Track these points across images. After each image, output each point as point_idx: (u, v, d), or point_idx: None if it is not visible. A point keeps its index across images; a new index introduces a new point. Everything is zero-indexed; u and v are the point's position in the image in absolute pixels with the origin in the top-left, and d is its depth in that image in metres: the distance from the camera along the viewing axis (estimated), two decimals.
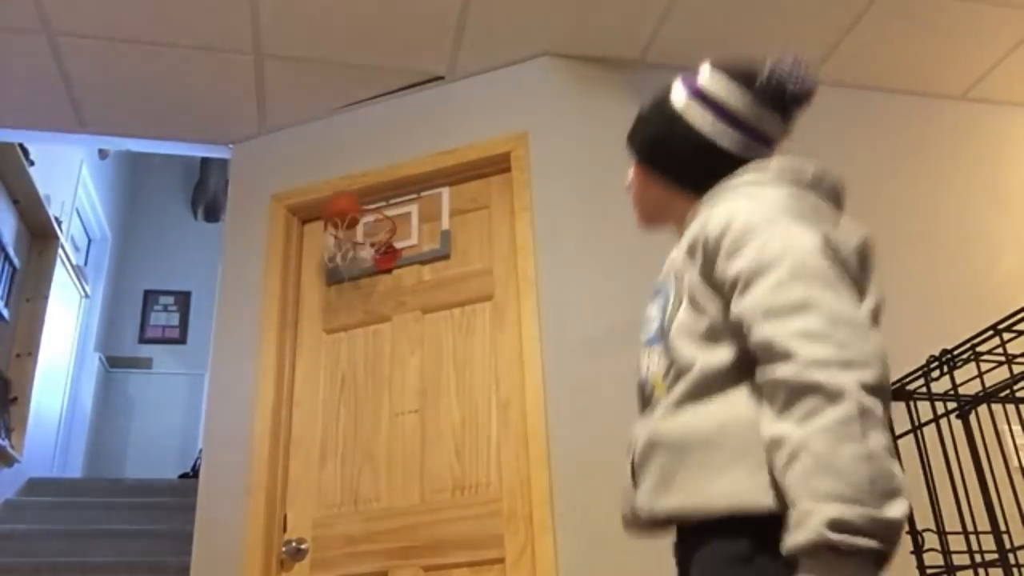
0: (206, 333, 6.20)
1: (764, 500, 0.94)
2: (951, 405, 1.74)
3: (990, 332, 1.65)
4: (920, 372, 1.79)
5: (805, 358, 0.91)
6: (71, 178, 5.39)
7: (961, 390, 1.72)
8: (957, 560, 1.68)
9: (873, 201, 2.82)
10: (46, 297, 4.84)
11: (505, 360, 2.49)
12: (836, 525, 0.85)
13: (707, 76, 1.17)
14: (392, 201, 2.83)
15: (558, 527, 2.19)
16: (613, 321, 2.45)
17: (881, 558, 0.88)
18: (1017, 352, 1.65)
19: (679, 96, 1.18)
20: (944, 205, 2.88)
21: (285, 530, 2.52)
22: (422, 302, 2.67)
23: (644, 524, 1.09)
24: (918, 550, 1.75)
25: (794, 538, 0.88)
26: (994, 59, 2.93)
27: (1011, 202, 2.94)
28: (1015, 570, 1.57)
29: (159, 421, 6.41)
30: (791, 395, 0.91)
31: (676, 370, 1.08)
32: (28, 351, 4.69)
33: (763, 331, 0.95)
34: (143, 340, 6.72)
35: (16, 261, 4.56)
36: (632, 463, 1.11)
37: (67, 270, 5.28)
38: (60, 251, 5.01)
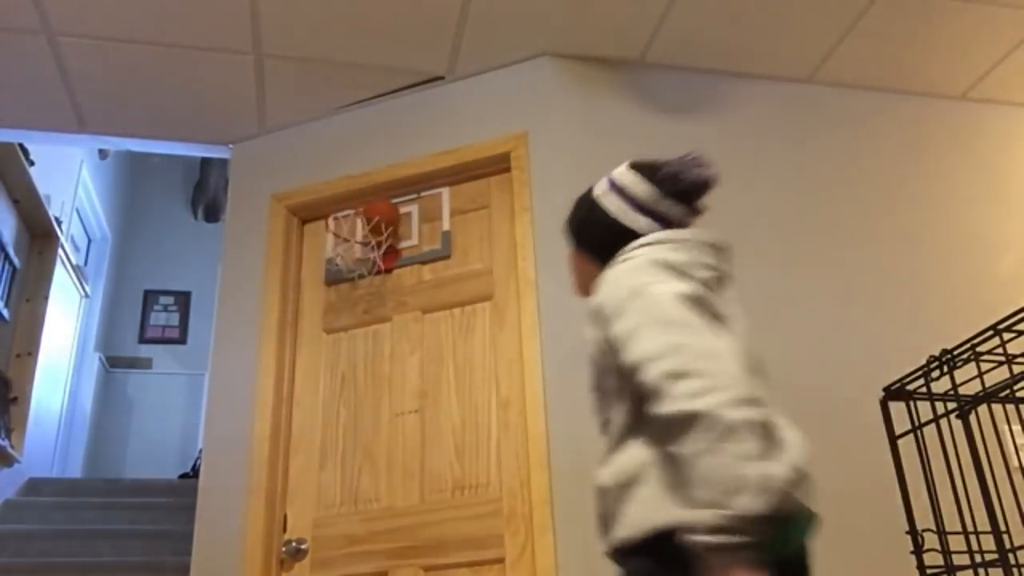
0: (206, 333, 6.22)
1: (662, 520, 1.11)
2: (951, 405, 1.75)
3: (990, 332, 1.65)
4: (920, 372, 1.79)
5: (676, 394, 1.07)
6: (71, 178, 5.39)
7: (961, 390, 1.72)
8: (957, 560, 1.68)
9: (873, 201, 2.83)
10: (46, 297, 4.84)
11: (505, 360, 2.49)
12: (708, 529, 1.01)
13: (621, 171, 1.40)
14: (392, 201, 2.83)
15: (558, 527, 2.19)
16: None
17: (759, 546, 1.01)
18: (1017, 352, 1.65)
19: (600, 188, 1.42)
20: (944, 205, 2.88)
21: (285, 530, 2.52)
22: (422, 302, 2.67)
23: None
24: (918, 550, 1.75)
25: (689, 545, 1.04)
26: (994, 59, 2.93)
27: (1011, 202, 2.94)
28: (1015, 570, 1.57)
29: (159, 421, 6.41)
30: (670, 426, 1.08)
31: (604, 423, 1.31)
32: (28, 351, 4.69)
33: (643, 378, 1.12)
34: (143, 340, 6.72)
35: (16, 261, 4.56)
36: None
37: (67, 270, 5.28)
38: (60, 251, 5.01)
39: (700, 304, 1.16)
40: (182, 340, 6.78)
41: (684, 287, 1.17)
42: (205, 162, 7.08)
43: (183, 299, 6.90)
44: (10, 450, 4.30)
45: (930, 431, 1.77)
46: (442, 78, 2.89)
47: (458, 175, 2.78)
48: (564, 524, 2.19)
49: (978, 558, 1.62)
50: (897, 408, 1.90)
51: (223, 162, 3.93)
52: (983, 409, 1.72)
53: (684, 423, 1.05)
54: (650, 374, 1.10)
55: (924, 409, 1.83)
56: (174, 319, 6.84)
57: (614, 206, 1.36)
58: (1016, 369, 1.62)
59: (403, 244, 2.77)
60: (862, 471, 2.32)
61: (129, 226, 6.96)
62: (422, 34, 2.69)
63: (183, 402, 6.52)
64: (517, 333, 2.49)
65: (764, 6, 2.65)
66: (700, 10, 2.64)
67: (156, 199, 7.22)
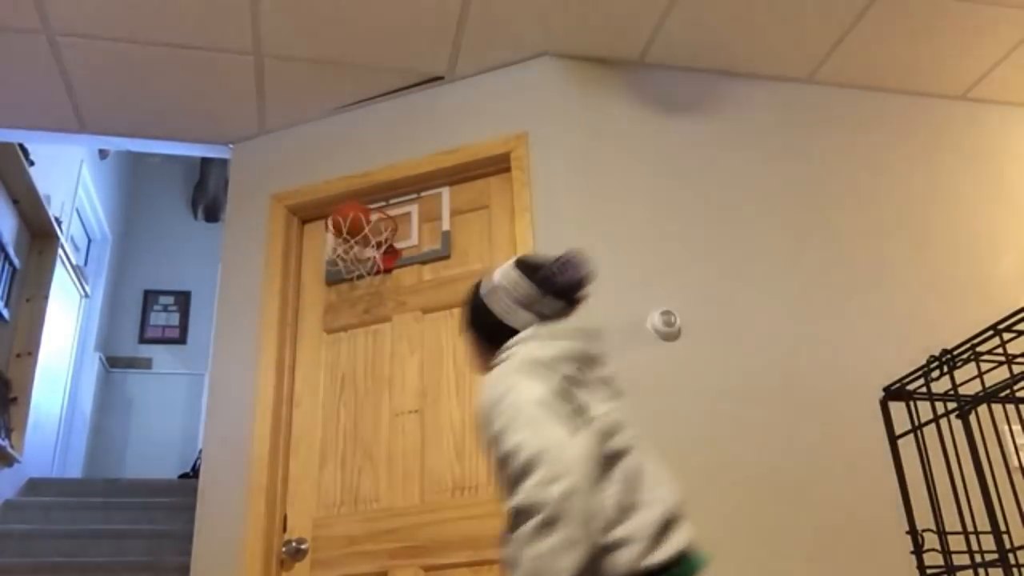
0: (206, 333, 6.22)
1: None
2: (951, 405, 1.74)
3: (990, 332, 1.65)
4: (920, 372, 1.79)
5: (523, 487, 1.23)
6: (71, 178, 5.39)
7: (961, 390, 1.72)
8: (957, 560, 1.68)
9: (873, 201, 2.82)
10: (46, 297, 4.84)
11: None
12: None
13: (507, 270, 1.53)
14: (392, 201, 2.83)
15: None
16: (613, 321, 2.44)
17: None
18: (1017, 352, 1.65)
19: (486, 285, 1.55)
20: (945, 205, 2.88)
21: (285, 530, 2.52)
22: (422, 302, 2.67)
23: None
24: (918, 550, 1.75)
25: None
26: (994, 59, 2.93)
27: (1011, 202, 2.94)
28: (1015, 570, 1.57)
29: (159, 421, 6.40)
30: (515, 517, 1.24)
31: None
32: (28, 351, 4.69)
33: (504, 473, 1.29)
34: (143, 340, 6.72)
35: (16, 261, 4.56)
36: None
37: (67, 270, 5.27)
38: (60, 251, 5.01)
39: (551, 405, 1.31)
40: (182, 340, 6.77)
41: (538, 391, 1.32)
42: (205, 162, 7.07)
43: (183, 299, 6.90)
44: (10, 450, 4.30)
45: (930, 431, 1.77)
46: (442, 78, 2.89)
47: (458, 175, 2.78)
48: None
49: (978, 558, 1.62)
50: (897, 408, 1.90)
51: (223, 162, 3.93)
52: (983, 409, 1.72)
53: (519, 515, 1.23)
54: (509, 469, 1.27)
55: (924, 409, 1.83)
56: (174, 319, 6.83)
57: (499, 305, 1.51)
58: (1016, 369, 1.62)
59: (403, 244, 2.77)
60: (862, 471, 2.32)
61: (129, 226, 6.96)
62: (422, 34, 2.69)
63: (183, 402, 6.51)
64: None
65: (764, 6, 2.65)
66: (700, 10, 2.64)
67: (156, 199, 7.21)
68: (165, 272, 6.93)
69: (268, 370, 2.67)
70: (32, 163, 4.39)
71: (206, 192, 7.16)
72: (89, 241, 6.19)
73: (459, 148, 2.76)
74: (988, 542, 1.60)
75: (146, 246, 6.99)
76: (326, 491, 2.54)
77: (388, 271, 2.75)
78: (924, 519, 1.77)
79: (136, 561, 3.81)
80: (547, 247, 2.51)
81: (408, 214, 2.81)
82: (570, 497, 1.21)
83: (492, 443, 1.35)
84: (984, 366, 1.69)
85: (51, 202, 4.79)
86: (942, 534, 1.71)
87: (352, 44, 2.72)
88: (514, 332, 1.47)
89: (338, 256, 2.75)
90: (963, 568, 1.65)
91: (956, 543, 1.69)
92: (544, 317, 1.49)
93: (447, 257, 2.71)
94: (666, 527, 1.30)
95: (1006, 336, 1.63)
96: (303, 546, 2.47)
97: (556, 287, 1.49)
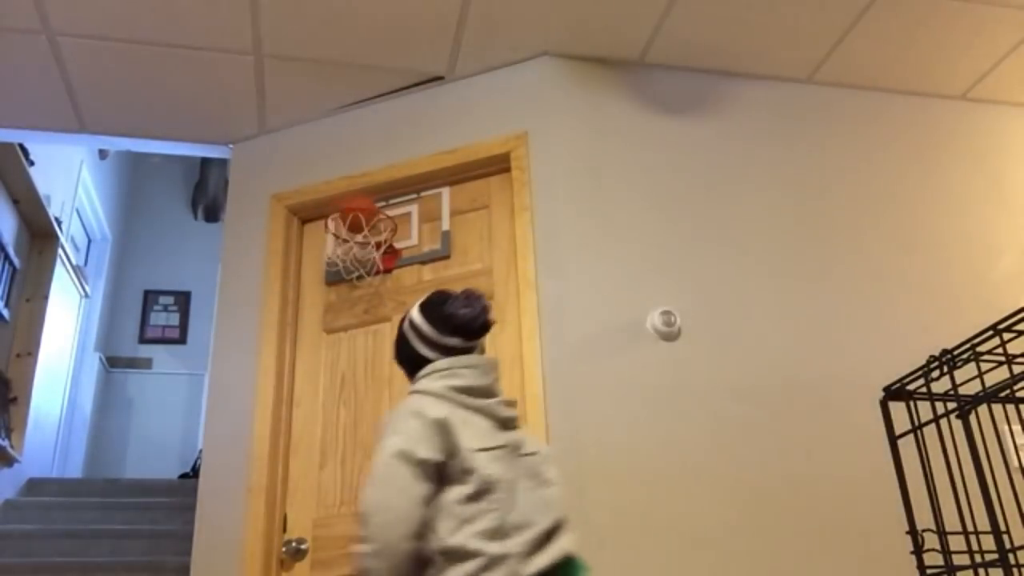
0: (206, 333, 6.21)
1: None
2: (951, 405, 1.74)
3: (990, 332, 1.65)
4: (920, 372, 1.79)
5: (363, 536, 1.52)
6: (71, 178, 5.39)
7: (961, 390, 1.72)
8: (957, 560, 1.68)
9: (873, 201, 2.83)
10: (46, 297, 4.84)
11: (505, 360, 2.48)
12: None
13: (415, 313, 1.74)
14: (392, 201, 2.83)
15: None
16: (613, 321, 2.45)
17: None
18: (1017, 352, 1.65)
19: (407, 321, 1.75)
20: (944, 205, 2.88)
21: (285, 530, 2.52)
22: None
23: None
24: (918, 550, 1.75)
25: None
26: (994, 59, 2.93)
27: (1011, 202, 2.94)
28: (1015, 570, 1.57)
29: (159, 421, 6.40)
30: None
31: None
32: (28, 351, 4.69)
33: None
34: (143, 340, 6.72)
35: (16, 261, 4.56)
36: None
37: (67, 270, 5.27)
38: (60, 251, 5.01)
39: (407, 457, 1.52)
40: (182, 340, 6.77)
41: (398, 443, 1.53)
42: (205, 162, 7.07)
43: (183, 299, 6.90)
44: (10, 450, 4.30)
45: (930, 431, 1.77)
46: (442, 78, 2.89)
47: (458, 175, 2.78)
48: None
49: (978, 558, 1.62)
50: (897, 408, 1.90)
51: (223, 162, 3.93)
52: (983, 409, 1.72)
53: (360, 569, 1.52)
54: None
55: (924, 409, 1.83)
56: (174, 319, 6.83)
57: (412, 338, 1.73)
58: (1016, 369, 1.62)
59: (403, 244, 2.77)
60: (862, 471, 2.32)
61: (129, 226, 6.96)
62: (422, 34, 2.69)
63: (183, 402, 6.51)
64: (517, 333, 2.49)
65: (764, 6, 2.65)
66: (700, 10, 2.64)
67: (156, 199, 7.21)
68: (165, 272, 6.93)
69: (268, 370, 2.67)
70: (32, 163, 4.39)
71: (206, 192, 7.16)
72: (89, 241, 6.19)
73: (459, 148, 2.76)
74: (988, 542, 1.60)
75: (146, 246, 6.99)
76: (326, 491, 2.54)
77: (388, 271, 2.75)
78: (924, 519, 1.77)
79: (136, 561, 3.81)
80: (547, 247, 2.52)
81: (408, 214, 2.81)
82: (378, 555, 1.49)
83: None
84: (984, 366, 1.69)
85: (51, 202, 4.79)
86: (942, 534, 1.71)
87: (352, 44, 2.72)
88: (427, 362, 1.69)
89: (338, 256, 2.75)
90: (963, 568, 1.65)
91: (956, 543, 1.69)
92: (448, 351, 1.69)
93: (447, 257, 2.71)
94: (540, 544, 1.51)
95: (1006, 336, 1.63)
96: (303, 546, 2.47)
97: (452, 326, 1.69)
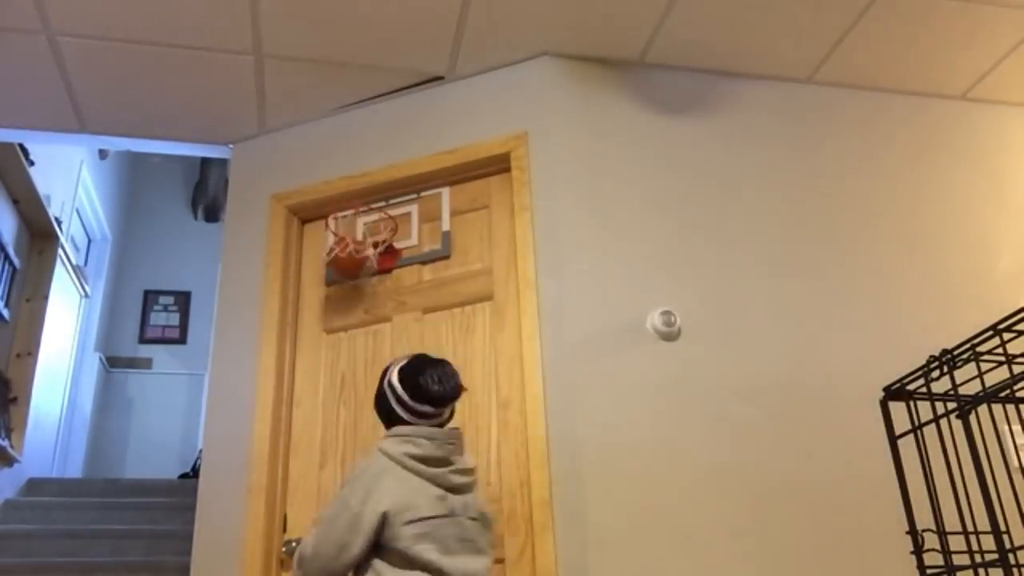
0: (206, 333, 6.21)
1: None
2: (951, 405, 1.74)
3: (990, 332, 1.65)
4: (920, 372, 1.79)
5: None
6: (71, 178, 5.39)
7: (961, 390, 1.72)
8: (957, 560, 1.68)
9: (873, 201, 2.83)
10: (46, 297, 4.84)
11: (505, 360, 2.49)
12: None
13: (393, 378, 1.92)
14: (392, 201, 2.83)
15: (558, 527, 2.19)
16: (613, 321, 2.45)
17: None
18: (1017, 352, 1.65)
19: (387, 380, 1.94)
20: (944, 205, 2.88)
21: (285, 530, 2.52)
22: (422, 302, 2.67)
23: None
24: (918, 550, 1.75)
25: None
26: (994, 59, 2.93)
27: (1010, 202, 2.94)
28: (1015, 570, 1.57)
29: (159, 421, 6.40)
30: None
31: None
32: (28, 351, 4.69)
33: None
34: (143, 340, 6.72)
35: (16, 261, 4.56)
36: None
37: (67, 270, 5.27)
38: (60, 251, 5.01)
39: (358, 521, 1.74)
40: (182, 340, 6.77)
41: (354, 504, 1.76)
42: (205, 162, 7.07)
43: (183, 299, 6.90)
44: (10, 450, 4.30)
45: (930, 431, 1.77)
46: (442, 78, 2.89)
47: (458, 175, 2.78)
48: (564, 524, 2.19)
49: (978, 558, 1.62)
50: (897, 408, 1.90)
51: (223, 162, 3.93)
52: (983, 409, 1.72)
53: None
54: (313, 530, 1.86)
55: (924, 409, 1.83)
56: (174, 319, 6.83)
57: (390, 399, 1.91)
58: (1016, 369, 1.62)
59: (403, 244, 2.77)
60: (862, 471, 2.32)
61: (129, 226, 6.96)
62: (422, 34, 2.69)
63: (183, 402, 6.51)
64: (517, 333, 2.49)
65: (764, 6, 2.65)
66: (700, 10, 2.64)
67: (156, 199, 7.21)
68: (165, 272, 6.93)
69: (268, 370, 2.67)
70: (32, 163, 4.39)
71: (206, 192, 7.16)
72: (89, 241, 6.19)
73: (459, 148, 2.76)
74: (988, 542, 1.60)
75: (146, 246, 6.99)
76: (326, 491, 2.54)
77: (388, 271, 2.75)
78: (924, 519, 1.77)
79: (136, 561, 3.81)
80: (547, 247, 2.52)
81: (408, 214, 2.81)
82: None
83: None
84: (984, 366, 1.69)
85: (51, 202, 4.79)
86: (942, 534, 1.71)
87: (352, 44, 2.72)
88: (400, 420, 1.89)
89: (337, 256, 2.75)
90: (963, 568, 1.65)
91: (956, 543, 1.69)
92: (419, 415, 1.88)
93: (447, 257, 2.71)
94: None
95: (1006, 336, 1.63)
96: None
97: (424, 397, 1.87)
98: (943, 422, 1.75)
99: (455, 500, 1.82)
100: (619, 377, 2.38)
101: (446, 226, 2.75)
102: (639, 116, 2.78)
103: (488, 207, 2.72)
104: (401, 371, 1.93)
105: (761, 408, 2.41)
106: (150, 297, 6.86)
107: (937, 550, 1.72)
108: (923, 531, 1.74)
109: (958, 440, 1.69)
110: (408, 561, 1.73)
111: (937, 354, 1.75)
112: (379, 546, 1.75)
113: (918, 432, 1.81)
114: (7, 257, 4.43)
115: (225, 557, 2.47)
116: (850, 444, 2.38)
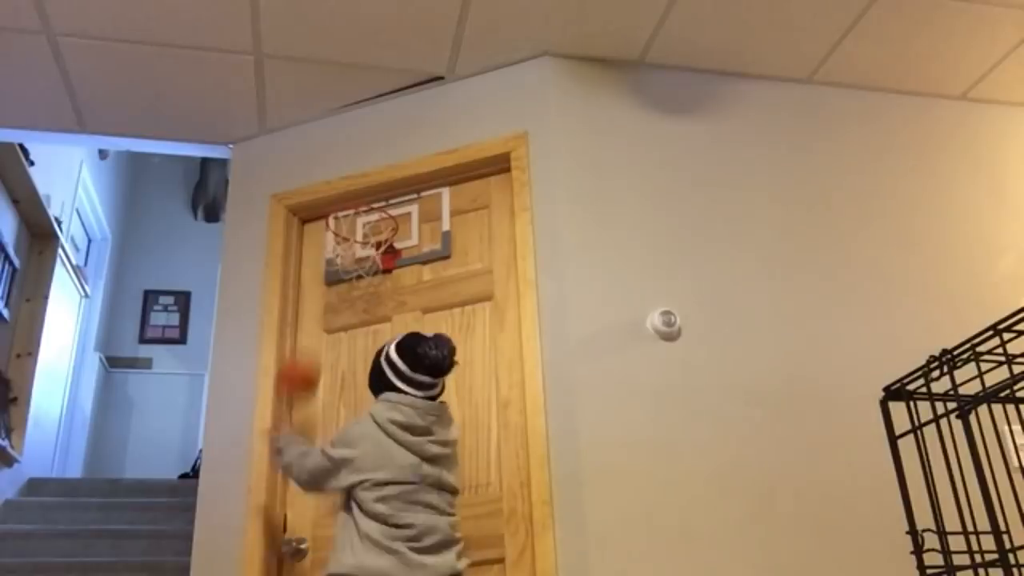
0: (206, 333, 6.22)
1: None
2: (951, 405, 1.74)
3: (990, 332, 1.65)
4: (920, 372, 1.79)
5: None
6: (71, 178, 5.39)
7: (961, 390, 1.72)
8: (957, 560, 1.68)
9: (873, 201, 2.83)
10: (46, 297, 4.84)
11: (505, 360, 2.49)
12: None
13: (392, 351, 2.07)
14: (392, 201, 2.83)
15: (558, 527, 2.19)
16: (613, 321, 2.45)
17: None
18: (1017, 352, 1.65)
19: (383, 356, 2.10)
20: (944, 205, 2.88)
21: (285, 530, 2.52)
22: (422, 302, 2.67)
23: None
24: (918, 550, 1.75)
25: None
26: (994, 59, 2.94)
27: (1011, 202, 2.94)
28: (1015, 570, 1.57)
29: (159, 421, 6.41)
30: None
31: None
32: (28, 351, 4.69)
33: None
34: (143, 340, 6.72)
35: (16, 261, 4.57)
36: None
37: (67, 270, 5.28)
38: (60, 251, 5.01)
39: (328, 452, 2.05)
40: (182, 340, 6.78)
41: (344, 450, 2.02)
42: (205, 162, 7.08)
43: (183, 299, 6.90)
44: (10, 450, 4.30)
45: (930, 431, 1.77)
46: (442, 78, 2.89)
47: (458, 175, 2.78)
48: (564, 524, 2.19)
49: (978, 558, 1.62)
50: (897, 408, 1.90)
51: (223, 162, 3.93)
52: (983, 409, 1.72)
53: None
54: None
55: (924, 409, 1.83)
56: (174, 319, 6.84)
57: (388, 374, 2.06)
58: (1016, 369, 1.62)
59: (403, 244, 2.77)
60: (862, 471, 2.32)
61: (129, 226, 6.96)
62: (422, 34, 2.69)
63: (183, 402, 6.52)
64: (517, 333, 2.49)
65: (764, 6, 2.65)
66: (700, 10, 2.64)
67: (156, 199, 7.22)
68: (165, 272, 6.94)
69: (268, 370, 2.67)
70: (32, 163, 4.39)
71: (206, 192, 7.16)
72: (89, 241, 6.19)
73: (459, 148, 2.76)
74: (988, 542, 1.60)
75: (146, 246, 6.99)
76: None
77: (388, 271, 2.75)
78: (924, 519, 1.77)
79: (136, 561, 3.82)
80: (547, 247, 2.52)
81: (408, 214, 2.81)
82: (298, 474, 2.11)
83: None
84: (984, 366, 1.69)
85: (51, 202, 4.79)
86: (942, 534, 1.71)
87: (352, 44, 2.72)
88: (387, 387, 2.05)
89: (337, 256, 2.75)
90: (963, 568, 1.65)
91: (956, 543, 1.68)
92: (417, 385, 2.03)
93: (447, 257, 2.71)
94: (426, 548, 1.92)
95: (1006, 336, 1.63)
96: (303, 546, 2.47)
97: (423, 365, 2.02)
98: (943, 422, 1.75)
99: (427, 469, 1.97)
100: (619, 377, 2.38)
101: (446, 226, 2.75)
102: (639, 116, 2.78)
103: (488, 207, 2.72)
104: (399, 346, 2.07)
105: (761, 408, 2.41)
106: (150, 297, 6.86)
107: (937, 550, 1.72)
108: (923, 531, 1.74)
109: (958, 440, 1.69)
110: (372, 515, 1.92)
111: (937, 354, 1.75)
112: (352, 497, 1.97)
113: (918, 432, 1.81)
114: (7, 257, 4.44)
115: (225, 557, 2.47)
116: (850, 444, 2.38)
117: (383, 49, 2.74)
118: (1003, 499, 1.63)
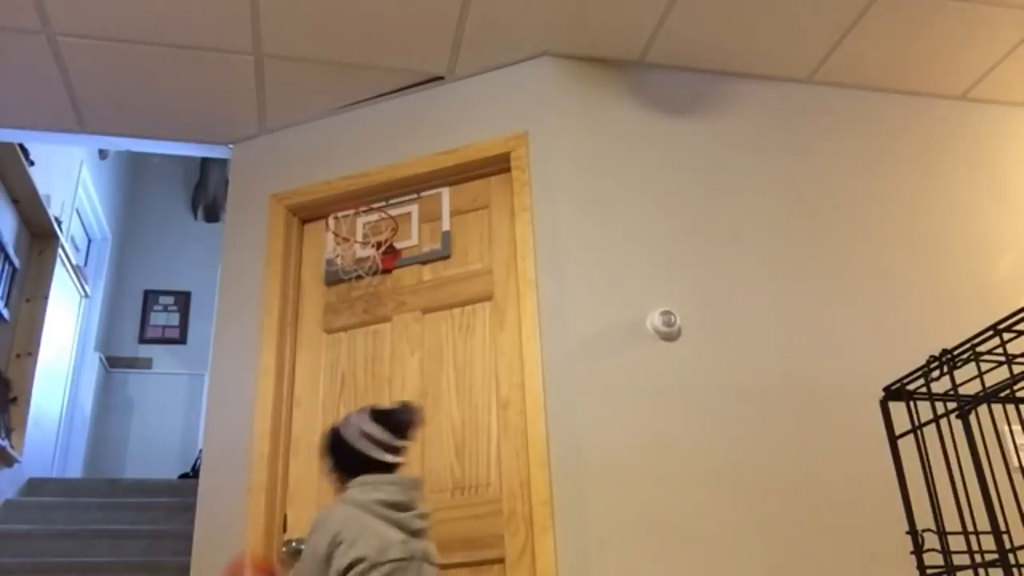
0: (206, 333, 6.22)
1: None
2: (951, 405, 1.74)
3: (990, 332, 1.65)
4: (920, 372, 1.79)
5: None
6: (71, 178, 5.39)
7: (961, 390, 1.72)
8: (957, 560, 1.68)
9: (873, 201, 2.83)
10: (46, 297, 4.84)
11: (505, 360, 2.49)
12: None
13: (368, 421, 1.94)
14: (392, 201, 2.84)
15: (558, 527, 2.19)
16: (613, 321, 2.45)
17: None
18: (1017, 352, 1.65)
19: (356, 431, 1.94)
20: (944, 205, 2.88)
21: (285, 530, 2.52)
22: (422, 302, 2.67)
23: None
24: (918, 550, 1.75)
25: None
26: (994, 59, 2.94)
27: (1011, 202, 2.94)
28: (1015, 570, 1.57)
29: (159, 421, 6.41)
30: None
31: None
32: (28, 351, 4.69)
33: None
34: (143, 340, 6.72)
35: (16, 261, 4.57)
36: None
37: (67, 270, 5.28)
38: (60, 251, 5.01)
39: (327, 560, 1.83)
40: (182, 340, 6.78)
41: (322, 547, 1.83)
42: (205, 162, 7.08)
43: (183, 299, 6.90)
44: (10, 450, 4.30)
45: (930, 431, 1.77)
46: (442, 78, 2.89)
47: (458, 175, 2.78)
48: (564, 524, 2.19)
49: (978, 558, 1.62)
50: (897, 408, 1.90)
51: (223, 162, 3.93)
52: (983, 409, 1.72)
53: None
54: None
55: (924, 409, 1.83)
56: (174, 319, 6.84)
57: (366, 448, 1.92)
58: (1016, 369, 1.62)
59: (403, 244, 2.77)
60: (862, 471, 2.32)
61: (129, 226, 6.96)
62: (422, 34, 2.69)
63: (183, 402, 6.52)
64: (517, 333, 2.49)
65: (764, 6, 2.65)
66: (700, 10, 2.64)
67: (156, 199, 7.22)
68: (165, 272, 6.94)
69: (268, 370, 2.67)
70: (32, 163, 4.39)
71: (206, 192, 7.16)
72: (89, 241, 6.19)
73: (459, 148, 2.76)
74: (988, 542, 1.60)
75: (146, 246, 6.99)
76: (326, 491, 2.53)
77: (388, 271, 2.75)
78: (924, 519, 1.77)
79: (136, 561, 3.81)
80: (547, 247, 2.52)
81: (408, 214, 2.81)
82: None
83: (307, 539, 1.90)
84: (984, 366, 1.69)
85: (51, 202, 4.79)
86: (942, 534, 1.71)
87: (352, 44, 2.72)
88: (364, 465, 1.92)
89: (338, 256, 2.75)
90: (963, 568, 1.65)
91: (956, 543, 1.69)
92: (398, 452, 1.94)
93: (447, 257, 2.71)
94: None
95: (1006, 336, 1.63)
96: (303, 546, 2.46)
97: (402, 431, 1.94)
98: (943, 422, 1.75)
99: (415, 544, 1.90)
100: (619, 377, 2.38)
101: (446, 226, 2.75)
102: (639, 116, 2.78)
103: (488, 207, 2.72)
104: (373, 415, 1.97)
105: (761, 408, 2.41)
106: (150, 297, 6.86)
107: (937, 550, 1.72)
108: (923, 531, 1.74)
109: (958, 440, 1.69)
110: None
111: (937, 354, 1.75)
112: None
113: (918, 432, 1.81)
114: (7, 257, 4.44)
115: (225, 557, 2.47)
116: (850, 444, 2.38)
117: (383, 49, 2.74)
118: (1003, 499, 1.63)
